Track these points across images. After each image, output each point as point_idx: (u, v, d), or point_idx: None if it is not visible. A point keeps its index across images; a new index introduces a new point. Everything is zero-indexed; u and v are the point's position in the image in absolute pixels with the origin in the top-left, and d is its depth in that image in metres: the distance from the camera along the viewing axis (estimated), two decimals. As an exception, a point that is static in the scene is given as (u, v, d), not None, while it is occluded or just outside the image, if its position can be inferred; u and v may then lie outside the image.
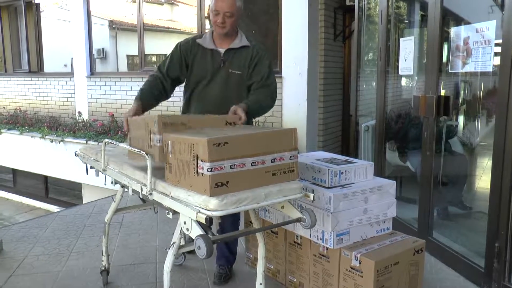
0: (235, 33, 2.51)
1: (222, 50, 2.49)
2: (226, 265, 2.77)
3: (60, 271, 2.96)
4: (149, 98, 2.55)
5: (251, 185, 1.73)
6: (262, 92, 2.47)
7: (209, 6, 2.48)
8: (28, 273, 2.93)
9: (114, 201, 2.57)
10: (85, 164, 2.65)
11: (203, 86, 2.55)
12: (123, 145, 2.15)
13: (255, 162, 1.73)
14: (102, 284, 2.71)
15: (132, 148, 2.05)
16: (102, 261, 2.70)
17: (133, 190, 2.09)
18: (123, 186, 2.40)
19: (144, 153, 1.92)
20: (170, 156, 1.82)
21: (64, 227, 3.84)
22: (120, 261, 3.06)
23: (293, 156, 1.84)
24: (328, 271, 2.33)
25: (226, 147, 1.65)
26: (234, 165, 1.67)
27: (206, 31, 2.61)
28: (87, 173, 2.59)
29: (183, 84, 2.71)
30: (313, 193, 1.94)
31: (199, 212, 1.63)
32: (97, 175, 2.51)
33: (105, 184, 2.55)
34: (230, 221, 2.61)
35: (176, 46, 2.58)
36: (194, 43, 2.53)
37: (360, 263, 2.14)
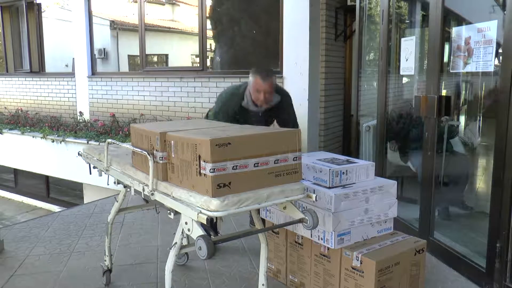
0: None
1: (262, 109, 3.07)
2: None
3: (61, 271, 2.97)
4: None
5: (254, 186, 1.71)
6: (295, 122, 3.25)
7: (249, 80, 2.99)
8: (29, 273, 2.94)
9: (117, 201, 2.58)
10: (88, 164, 2.66)
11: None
12: (126, 145, 2.15)
13: (258, 163, 1.72)
14: (105, 284, 2.71)
15: (135, 148, 2.05)
16: (105, 261, 2.70)
17: (135, 190, 2.10)
18: (125, 186, 2.41)
19: (146, 153, 1.92)
20: (173, 156, 1.81)
21: (65, 227, 3.85)
22: (121, 260, 3.06)
23: (296, 157, 1.83)
24: (329, 271, 2.33)
25: (229, 147, 1.63)
26: (236, 166, 1.66)
27: (246, 92, 3.12)
28: (90, 173, 2.60)
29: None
30: (314, 193, 1.94)
31: (200, 212, 1.63)
32: (100, 175, 2.52)
33: (107, 184, 2.56)
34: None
35: (225, 105, 3.08)
36: (239, 105, 3.05)
37: (361, 263, 2.14)
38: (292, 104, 3.29)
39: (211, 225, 1.68)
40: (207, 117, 3.34)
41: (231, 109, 3.05)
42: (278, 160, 1.77)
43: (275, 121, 3.30)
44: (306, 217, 1.93)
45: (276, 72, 5.30)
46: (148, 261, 3.10)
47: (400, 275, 2.22)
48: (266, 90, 2.94)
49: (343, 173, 2.31)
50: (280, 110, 3.17)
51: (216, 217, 1.65)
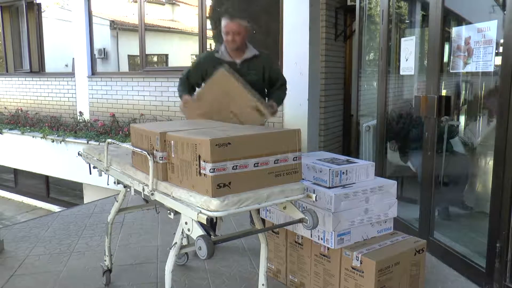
0: (245, 46, 3.00)
1: (238, 61, 2.98)
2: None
3: (61, 271, 2.97)
4: (189, 91, 3.09)
5: (254, 186, 1.72)
6: (280, 92, 3.16)
7: (222, 27, 2.95)
8: (29, 273, 2.94)
9: (117, 201, 2.58)
10: (88, 164, 2.66)
11: None
12: (126, 145, 2.15)
13: (258, 163, 1.72)
14: (105, 284, 2.71)
15: (135, 148, 2.05)
16: (105, 260, 2.70)
17: (135, 190, 2.10)
18: (125, 186, 2.41)
19: (146, 153, 1.92)
20: (173, 156, 1.81)
21: (65, 227, 3.85)
22: (121, 260, 3.06)
23: (296, 157, 1.83)
24: (329, 271, 2.33)
25: (229, 147, 1.63)
26: (236, 166, 1.66)
27: (209, 46, 3.11)
28: (90, 173, 2.60)
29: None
30: (314, 193, 1.94)
31: (200, 212, 1.63)
32: (100, 175, 2.52)
33: (107, 184, 2.56)
34: None
35: (199, 58, 3.13)
36: (213, 57, 3.00)
37: (361, 263, 2.14)
38: (277, 71, 3.21)
39: (211, 225, 1.68)
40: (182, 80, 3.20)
41: (205, 67, 3.00)
42: (278, 160, 1.77)
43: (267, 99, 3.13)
44: (306, 217, 1.93)
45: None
46: (148, 261, 3.10)
47: (400, 275, 2.22)
48: (234, 30, 2.88)
49: (343, 173, 2.31)
50: (259, 66, 3.02)
51: (216, 217, 1.65)
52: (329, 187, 2.26)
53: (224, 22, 2.93)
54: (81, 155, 2.76)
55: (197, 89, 3.11)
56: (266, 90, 3.14)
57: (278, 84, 3.14)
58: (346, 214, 2.22)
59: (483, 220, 2.74)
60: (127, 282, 2.77)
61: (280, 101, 3.14)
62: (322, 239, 2.27)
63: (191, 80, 3.09)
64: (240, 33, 2.90)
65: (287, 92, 3.24)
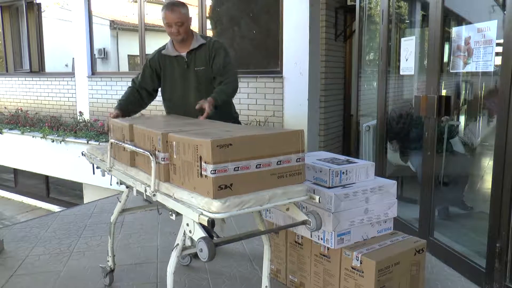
0: (191, 36, 2.79)
1: (184, 54, 2.78)
2: None
3: (61, 271, 2.97)
4: (126, 107, 2.80)
5: (256, 188, 1.69)
6: (225, 88, 2.72)
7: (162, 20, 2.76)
8: (29, 273, 2.94)
9: (120, 201, 2.57)
10: (91, 164, 2.66)
11: (178, 88, 2.84)
12: (129, 146, 2.15)
13: (260, 164, 1.69)
14: (107, 284, 2.71)
15: (137, 149, 2.05)
16: (108, 261, 2.69)
17: (137, 191, 2.10)
18: (128, 187, 2.41)
19: (148, 153, 1.92)
20: (175, 157, 1.81)
21: (65, 227, 3.85)
22: (121, 261, 3.06)
23: (299, 158, 1.80)
24: (329, 271, 2.33)
25: (230, 148, 1.62)
26: (238, 167, 1.64)
27: (166, 40, 2.91)
28: (94, 173, 2.61)
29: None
30: (314, 193, 1.94)
31: (201, 214, 1.62)
32: (103, 175, 2.53)
33: (110, 185, 2.56)
34: None
35: (146, 61, 2.90)
36: (160, 55, 2.84)
37: (361, 263, 2.14)
38: (223, 56, 2.75)
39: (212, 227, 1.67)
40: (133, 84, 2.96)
41: (154, 67, 2.83)
42: (280, 161, 1.75)
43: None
44: (310, 219, 1.92)
45: (276, 72, 5.32)
46: (148, 261, 3.10)
47: (400, 275, 2.22)
48: (176, 21, 2.66)
49: (343, 173, 2.31)
50: (205, 54, 2.76)
51: (214, 220, 1.63)
52: (329, 187, 2.26)
53: (163, 13, 2.70)
54: (84, 155, 2.77)
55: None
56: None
57: (219, 71, 2.75)
58: (346, 214, 2.21)
59: (483, 220, 2.74)
60: (127, 282, 2.77)
61: (222, 95, 2.65)
62: (322, 239, 2.27)
63: (144, 86, 2.86)
64: (184, 23, 2.69)
65: (236, 86, 2.81)
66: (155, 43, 7.05)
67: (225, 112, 2.75)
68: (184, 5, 2.73)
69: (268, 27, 5.61)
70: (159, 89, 2.95)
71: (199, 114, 2.50)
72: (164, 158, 1.86)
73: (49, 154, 7.08)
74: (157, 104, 6.71)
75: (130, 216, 3.99)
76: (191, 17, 2.79)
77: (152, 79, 2.87)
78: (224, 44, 2.84)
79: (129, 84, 2.96)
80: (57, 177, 7.61)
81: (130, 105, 2.83)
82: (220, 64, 2.74)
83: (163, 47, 2.87)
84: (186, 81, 2.80)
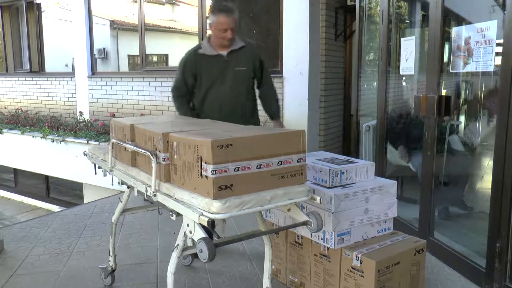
0: None
1: (224, 53, 2.85)
2: None
3: (61, 271, 2.97)
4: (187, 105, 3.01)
5: (257, 188, 1.69)
6: (272, 93, 3.07)
7: (210, 23, 2.83)
8: (29, 273, 2.94)
9: (121, 202, 2.57)
10: (93, 164, 2.67)
11: (215, 86, 2.89)
12: (129, 146, 2.15)
13: (260, 165, 1.69)
14: (108, 284, 2.71)
15: (138, 149, 2.05)
16: (109, 261, 2.69)
17: (138, 191, 2.10)
18: (129, 187, 2.42)
19: (149, 153, 1.91)
20: (175, 157, 1.81)
21: (65, 227, 3.85)
22: (121, 261, 3.06)
23: (300, 159, 1.79)
24: (329, 271, 2.33)
25: (230, 148, 1.61)
26: (238, 167, 1.63)
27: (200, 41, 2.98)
28: (95, 173, 2.61)
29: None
30: (314, 193, 1.93)
31: (202, 214, 1.62)
32: (105, 175, 2.53)
33: (112, 184, 2.56)
34: None
35: (182, 64, 2.93)
36: (197, 54, 2.88)
37: (361, 263, 2.14)
38: (264, 64, 3.03)
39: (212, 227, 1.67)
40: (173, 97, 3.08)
41: (192, 69, 2.88)
42: (281, 161, 1.74)
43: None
44: (311, 220, 1.92)
45: (276, 72, 5.32)
46: (148, 261, 3.10)
47: (400, 275, 2.22)
48: (231, 26, 2.76)
49: (343, 173, 2.31)
50: (247, 56, 2.91)
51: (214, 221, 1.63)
52: (329, 187, 2.26)
53: (217, 18, 2.77)
54: (86, 155, 2.77)
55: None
56: (254, 82, 3.04)
57: (269, 88, 3.06)
58: (346, 214, 2.22)
59: (483, 220, 2.74)
60: (127, 282, 2.77)
61: (280, 111, 3.16)
62: (322, 239, 2.27)
63: (182, 90, 2.97)
64: (235, 27, 2.81)
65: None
66: (155, 43, 7.06)
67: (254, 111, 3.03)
68: (235, 9, 2.83)
69: (268, 27, 5.62)
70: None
71: (233, 112, 2.79)
72: (164, 158, 1.86)
73: (49, 154, 7.07)
74: (157, 104, 6.72)
75: (130, 216, 3.99)
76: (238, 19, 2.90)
77: (194, 79, 2.91)
78: (257, 47, 3.13)
79: (168, 93, 3.09)
80: (57, 177, 7.61)
81: (188, 106, 3.00)
82: (265, 67, 3.01)
83: (198, 47, 2.92)
84: (223, 80, 2.87)
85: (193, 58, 2.88)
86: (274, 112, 3.09)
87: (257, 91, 3.09)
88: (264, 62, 3.01)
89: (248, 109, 2.98)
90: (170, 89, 3.06)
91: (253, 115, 3.03)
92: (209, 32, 2.95)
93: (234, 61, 2.86)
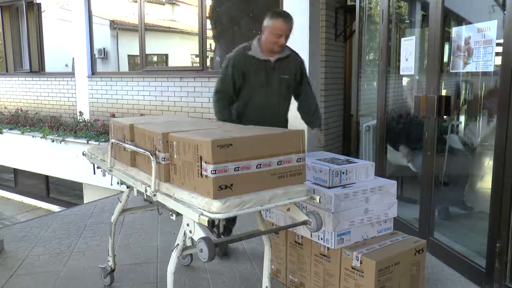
0: None
1: (272, 59, 2.82)
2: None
3: (61, 271, 2.97)
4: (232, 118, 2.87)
5: (257, 188, 1.69)
6: (313, 102, 3.07)
7: (265, 26, 2.77)
8: (29, 273, 2.94)
9: (120, 202, 2.58)
10: (92, 164, 2.66)
11: (262, 91, 2.85)
12: (129, 146, 2.15)
13: (260, 165, 1.69)
14: (107, 284, 2.71)
15: (138, 149, 2.05)
16: (109, 261, 2.69)
17: (138, 191, 2.10)
18: (128, 187, 2.42)
19: (149, 153, 1.91)
20: (175, 157, 1.81)
21: (65, 227, 3.85)
22: (121, 261, 3.06)
23: (300, 158, 1.80)
24: (329, 271, 2.33)
25: (230, 148, 1.62)
26: (238, 167, 1.64)
27: (250, 42, 2.88)
28: (94, 173, 2.61)
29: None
30: (314, 193, 1.93)
31: (202, 214, 1.62)
32: (104, 175, 2.53)
33: (111, 184, 2.56)
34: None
35: (232, 66, 2.80)
36: (246, 56, 2.80)
37: (361, 263, 2.14)
38: (307, 75, 3.06)
39: (224, 228, 1.67)
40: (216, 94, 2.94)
41: (242, 69, 2.78)
42: (281, 161, 1.74)
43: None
44: (310, 219, 1.92)
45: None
46: (148, 261, 3.10)
47: (400, 275, 2.22)
48: (287, 33, 2.74)
49: (343, 173, 2.31)
50: (292, 65, 2.91)
51: (224, 220, 1.64)
52: (329, 187, 2.26)
53: (276, 22, 2.70)
54: (85, 155, 2.77)
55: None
56: (293, 90, 3.00)
57: (308, 93, 3.04)
58: (346, 214, 2.22)
59: (483, 220, 2.74)
60: (126, 282, 2.77)
61: (319, 121, 3.11)
62: (322, 239, 2.27)
63: (228, 92, 2.83)
64: (289, 35, 2.78)
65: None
66: (155, 43, 7.06)
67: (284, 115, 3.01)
68: (291, 17, 2.79)
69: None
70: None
71: (274, 116, 2.83)
72: (164, 158, 1.86)
73: (49, 154, 7.07)
74: (157, 104, 6.71)
75: (130, 216, 3.99)
76: None
77: (242, 80, 2.82)
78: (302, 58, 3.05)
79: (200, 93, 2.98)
80: (57, 177, 7.61)
81: (231, 110, 2.89)
82: (307, 79, 3.03)
83: (247, 48, 2.83)
84: (269, 85, 2.84)
85: (242, 60, 2.80)
86: (314, 122, 3.07)
87: (294, 99, 3.08)
88: (306, 73, 3.02)
89: (284, 114, 3.00)
90: (213, 92, 2.89)
91: (286, 119, 3.04)
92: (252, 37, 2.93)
93: (280, 68, 2.84)
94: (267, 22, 2.76)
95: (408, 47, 3.43)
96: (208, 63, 6.13)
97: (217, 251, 2.73)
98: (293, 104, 4.27)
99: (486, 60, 2.64)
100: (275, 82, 2.85)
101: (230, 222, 3.05)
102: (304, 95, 3.04)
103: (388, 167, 3.86)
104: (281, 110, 2.96)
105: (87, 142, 6.28)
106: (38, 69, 8.16)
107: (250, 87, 2.84)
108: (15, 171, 8.87)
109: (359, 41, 4.34)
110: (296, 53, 2.99)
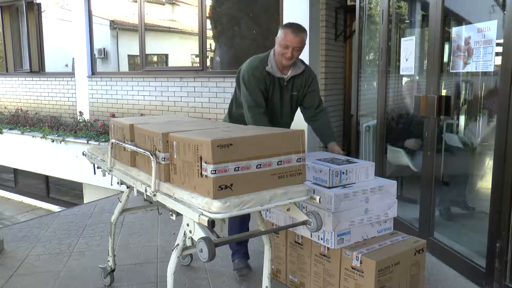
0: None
1: (285, 77, 2.66)
2: (246, 256, 2.84)
3: (61, 271, 2.97)
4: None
5: (257, 188, 1.69)
6: (325, 116, 2.85)
7: (276, 37, 2.59)
8: (29, 273, 2.94)
9: (120, 202, 2.58)
10: (92, 164, 2.67)
11: (278, 110, 2.73)
12: (129, 146, 2.15)
13: (260, 164, 1.69)
14: (107, 284, 2.71)
15: (138, 149, 2.05)
16: (109, 261, 2.69)
17: (138, 191, 2.10)
18: (128, 187, 2.42)
19: (149, 153, 1.91)
20: (175, 157, 1.81)
21: (65, 227, 3.85)
22: (121, 261, 3.06)
23: (300, 158, 1.80)
24: (329, 271, 2.33)
25: (230, 148, 1.62)
26: (238, 167, 1.64)
27: (268, 56, 2.67)
28: (95, 173, 2.61)
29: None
30: (314, 193, 1.93)
31: (202, 214, 1.62)
32: (104, 175, 2.53)
33: (111, 184, 2.56)
34: (237, 222, 2.64)
35: (253, 75, 2.60)
36: (264, 71, 2.61)
37: (361, 263, 2.14)
38: (319, 90, 2.87)
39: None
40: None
41: (263, 83, 2.61)
42: (281, 161, 1.74)
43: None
44: (310, 219, 1.92)
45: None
46: (148, 261, 3.10)
47: (400, 275, 2.22)
48: (295, 46, 2.51)
49: (343, 173, 2.31)
50: (303, 81, 2.72)
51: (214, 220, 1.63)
52: (329, 187, 2.26)
53: (285, 33, 2.51)
54: (85, 155, 2.77)
55: None
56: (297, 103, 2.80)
57: (319, 107, 2.81)
58: (346, 214, 2.22)
59: (483, 220, 2.74)
60: (127, 282, 2.77)
61: (333, 133, 2.87)
62: (322, 239, 2.27)
63: (261, 101, 2.61)
64: (300, 49, 2.57)
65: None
66: (155, 43, 7.06)
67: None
68: (306, 31, 2.60)
69: (268, 27, 5.61)
70: None
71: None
72: (164, 158, 1.86)
73: (49, 154, 7.07)
74: (157, 104, 6.71)
75: (130, 216, 3.99)
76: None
77: (267, 91, 2.65)
78: (315, 74, 2.86)
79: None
80: (57, 177, 7.61)
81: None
82: (317, 92, 2.81)
83: (265, 63, 2.63)
84: (283, 103, 2.71)
85: (264, 75, 2.61)
86: (330, 137, 2.82)
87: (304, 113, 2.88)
88: (315, 86, 2.79)
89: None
90: (245, 109, 2.63)
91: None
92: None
93: (291, 85, 2.69)
94: (278, 33, 2.60)
95: (408, 47, 3.43)
96: (208, 63, 6.13)
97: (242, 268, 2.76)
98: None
99: (486, 60, 2.64)
100: (286, 100, 2.71)
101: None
102: (315, 110, 2.81)
103: (388, 167, 3.86)
104: (286, 126, 2.79)
105: (87, 142, 6.28)
106: (38, 69, 8.17)
107: (267, 105, 2.67)
108: (15, 171, 8.87)
109: (359, 41, 4.33)
110: (310, 70, 2.80)
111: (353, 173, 2.35)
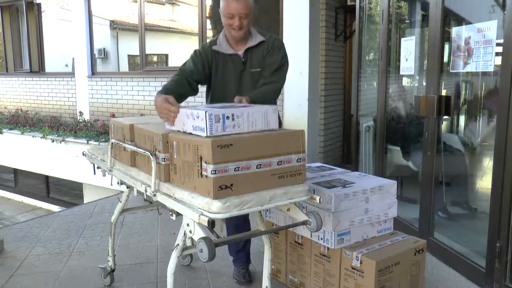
0: (249, 32, 2.36)
1: (241, 52, 2.37)
2: (247, 265, 2.79)
3: (61, 271, 2.97)
4: (177, 90, 2.26)
5: (257, 188, 1.70)
6: (269, 88, 2.35)
7: (220, 10, 2.32)
8: (29, 273, 2.94)
9: (120, 202, 2.58)
10: (92, 164, 2.67)
11: (232, 91, 2.36)
12: (129, 146, 2.15)
13: (260, 165, 1.69)
14: (107, 284, 2.71)
15: (138, 149, 2.05)
16: (109, 261, 2.69)
17: (138, 191, 2.10)
18: (128, 187, 2.42)
19: (149, 153, 1.92)
20: (175, 157, 1.81)
21: (65, 227, 3.85)
22: (121, 261, 3.06)
23: (300, 159, 1.80)
24: (329, 271, 2.33)
25: (230, 148, 1.62)
26: (238, 167, 1.64)
27: (219, 35, 2.44)
28: (95, 173, 2.61)
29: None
30: (314, 193, 1.93)
31: (202, 214, 1.62)
32: (104, 175, 2.53)
33: (111, 185, 2.56)
34: (235, 222, 2.62)
35: (195, 52, 2.44)
36: (209, 49, 2.39)
37: (361, 263, 2.14)
38: (280, 58, 2.36)
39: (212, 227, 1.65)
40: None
41: (203, 58, 2.38)
42: (281, 161, 1.75)
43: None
44: (310, 219, 1.92)
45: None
46: (148, 261, 3.10)
47: (400, 275, 2.22)
48: (241, 13, 2.21)
49: (227, 117, 1.72)
50: (261, 56, 2.36)
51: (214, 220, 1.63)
52: (208, 136, 1.68)
53: (228, 3, 2.23)
54: (85, 155, 2.77)
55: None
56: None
57: (269, 77, 2.34)
58: (346, 214, 2.22)
59: (483, 220, 2.74)
60: (127, 282, 2.77)
61: (259, 100, 2.17)
62: (322, 239, 2.27)
63: (195, 77, 2.37)
64: (248, 16, 2.24)
65: (279, 90, 2.42)
66: (155, 43, 7.06)
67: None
68: None
69: (268, 27, 5.61)
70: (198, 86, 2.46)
71: None
72: (164, 158, 1.86)
73: (49, 154, 7.07)
74: (157, 104, 6.60)
75: (130, 216, 3.99)
76: (257, 8, 2.33)
77: (204, 72, 2.40)
78: (284, 45, 2.43)
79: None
80: (57, 177, 7.61)
81: (181, 88, 2.31)
82: (275, 63, 2.35)
83: (214, 42, 2.41)
84: (241, 83, 2.40)
85: (209, 52, 2.39)
86: (254, 94, 2.26)
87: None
88: (275, 57, 2.36)
89: None
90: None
91: None
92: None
93: (251, 61, 2.37)
94: (221, 4, 2.30)
95: (408, 47, 3.43)
96: (208, 63, 6.12)
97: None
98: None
99: (486, 60, 2.64)
100: (246, 79, 2.39)
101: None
102: (264, 80, 2.37)
103: (388, 167, 3.86)
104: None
105: (87, 142, 6.28)
106: (38, 69, 8.17)
107: (218, 86, 2.43)
108: (15, 171, 8.87)
109: (359, 41, 4.33)
110: (274, 38, 2.41)
111: (243, 118, 1.76)
